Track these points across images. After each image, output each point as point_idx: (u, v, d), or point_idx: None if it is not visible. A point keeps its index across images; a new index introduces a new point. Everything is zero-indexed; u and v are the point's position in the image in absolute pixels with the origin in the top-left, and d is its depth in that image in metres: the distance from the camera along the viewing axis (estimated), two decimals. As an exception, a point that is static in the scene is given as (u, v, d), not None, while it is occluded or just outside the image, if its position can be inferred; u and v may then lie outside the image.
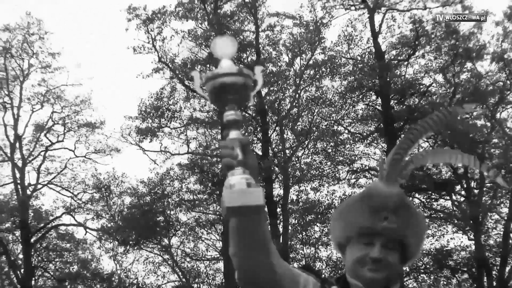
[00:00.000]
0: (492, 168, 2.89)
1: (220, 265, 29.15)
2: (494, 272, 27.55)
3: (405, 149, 2.93)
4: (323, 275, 3.10)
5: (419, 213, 2.95)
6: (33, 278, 29.96)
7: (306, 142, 29.29)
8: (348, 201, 2.93)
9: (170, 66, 28.48)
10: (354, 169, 29.65)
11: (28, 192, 29.80)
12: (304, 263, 29.22)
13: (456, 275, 29.43)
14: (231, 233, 2.60)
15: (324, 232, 29.32)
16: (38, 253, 30.76)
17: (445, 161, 3.07)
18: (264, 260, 2.60)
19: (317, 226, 29.35)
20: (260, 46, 28.46)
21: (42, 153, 30.60)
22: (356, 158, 29.70)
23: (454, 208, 28.87)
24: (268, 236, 2.64)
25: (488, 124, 27.47)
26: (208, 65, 28.29)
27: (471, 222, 27.19)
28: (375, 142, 30.01)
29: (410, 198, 28.70)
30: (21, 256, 29.95)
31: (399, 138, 26.82)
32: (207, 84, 2.48)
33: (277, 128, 28.98)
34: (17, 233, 29.94)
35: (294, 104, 28.56)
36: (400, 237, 2.80)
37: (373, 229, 2.78)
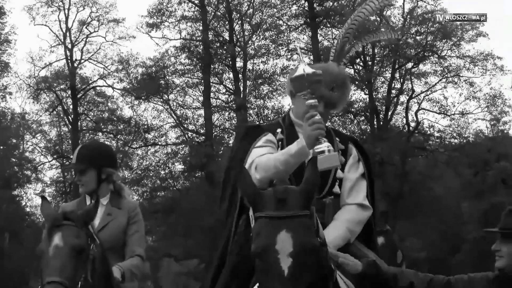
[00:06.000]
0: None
1: (201, 111, 33.82)
2: (381, 116, 32.53)
3: (350, 33, 3.64)
4: (264, 123, 3.84)
5: (349, 87, 3.62)
6: (79, 121, 34.43)
7: (258, 31, 33.56)
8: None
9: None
10: (290, 49, 33.69)
11: (75, 65, 34.05)
12: (256, 111, 33.90)
13: (357, 118, 33.50)
14: (283, 164, 3.24)
15: (269, 90, 33.58)
16: (82, 104, 34.65)
17: (377, 38, 4.04)
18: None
19: (265, 86, 33.75)
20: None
21: (84, 39, 34.80)
22: (291, 42, 33.79)
23: (355, 74, 32.98)
24: None
25: (378, 19, 31.01)
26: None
27: (366, 83, 32.08)
28: (303, 31, 34.10)
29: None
30: (71, 106, 34.24)
31: (319, 29, 32.96)
32: (296, 80, 3.10)
33: (239, 22, 33.58)
34: (69, 92, 34.08)
35: (250, 6, 33.65)
36: (336, 103, 3.54)
37: (323, 94, 3.34)
